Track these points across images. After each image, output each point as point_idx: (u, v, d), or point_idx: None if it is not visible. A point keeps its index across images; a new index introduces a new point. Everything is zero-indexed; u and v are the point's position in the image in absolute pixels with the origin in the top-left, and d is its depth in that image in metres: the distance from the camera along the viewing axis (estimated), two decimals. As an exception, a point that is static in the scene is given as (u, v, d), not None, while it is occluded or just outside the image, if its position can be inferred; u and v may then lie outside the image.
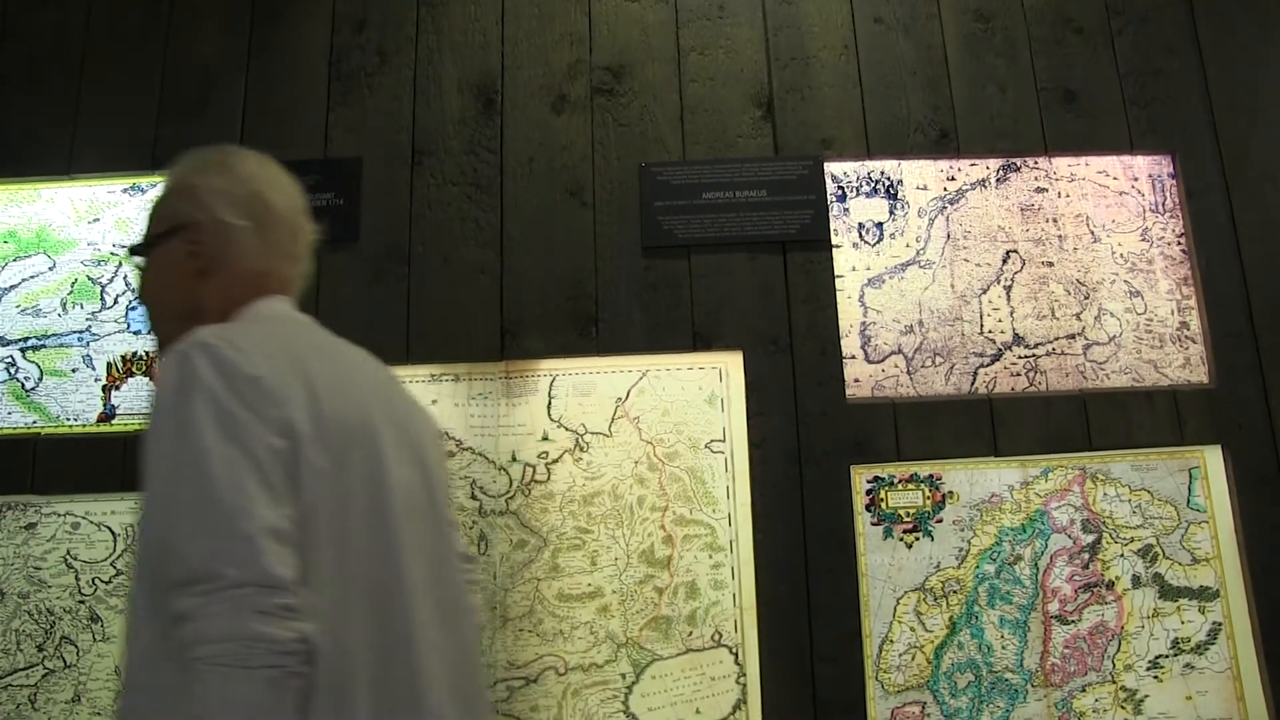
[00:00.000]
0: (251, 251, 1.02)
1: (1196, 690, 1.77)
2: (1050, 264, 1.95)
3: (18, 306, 1.92)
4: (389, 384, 1.07)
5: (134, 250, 1.06)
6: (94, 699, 1.73)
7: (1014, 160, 1.99)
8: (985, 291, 1.94)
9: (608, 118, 1.97)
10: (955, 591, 1.80)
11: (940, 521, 1.83)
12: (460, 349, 1.86)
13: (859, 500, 1.83)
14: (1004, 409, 1.85)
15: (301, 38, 2.01)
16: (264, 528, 0.78)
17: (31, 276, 1.94)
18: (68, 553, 1.78)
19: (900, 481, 1.84)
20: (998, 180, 1.99)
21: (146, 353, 1.90)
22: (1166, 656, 1.78)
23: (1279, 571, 1.79)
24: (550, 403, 1.85)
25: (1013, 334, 1.92)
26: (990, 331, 1.92)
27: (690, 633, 1.76)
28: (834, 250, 1.93)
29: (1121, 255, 1.96)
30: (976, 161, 1.99)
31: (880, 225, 1.96)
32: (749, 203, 1.92)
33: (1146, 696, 1.77)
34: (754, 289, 1.89)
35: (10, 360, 1.89)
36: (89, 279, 1.93)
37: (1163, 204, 1.98)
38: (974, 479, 1.85)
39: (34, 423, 1.86)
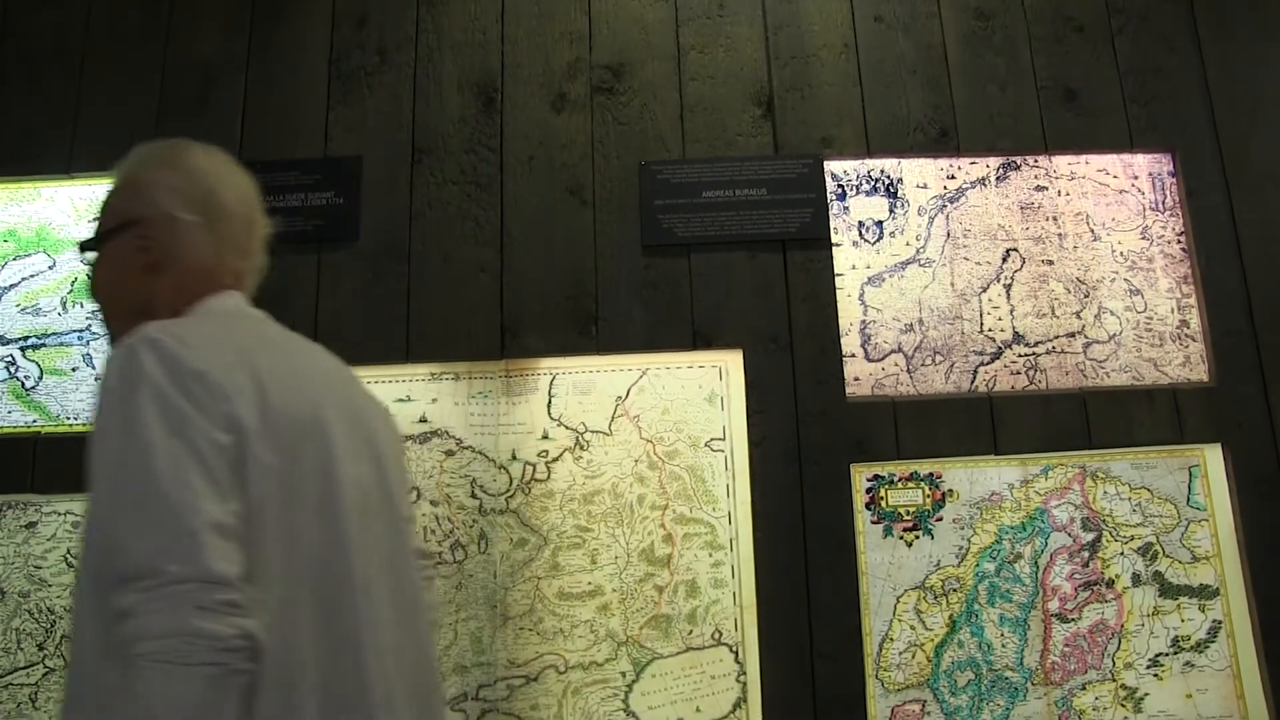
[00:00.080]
0: (202, 246, 1.02)
1: (1196, 688, 1.77)
2: (1050, 262, 1.95)
3: (18, 305, 1.92)
4: (345, 380, 1.06)
5: (84, 246, 1.06)
6: (94, 697, 1.73)
7: (1014, 159, 1.99)
8: (985, 290, 1.94)
9: (608, 116, 1.97)
10: (955, 590, 1.80)
11: (940, 520, 1.83)
12: (460, 347, 1.86)
13: (859, 498, 1.83)
14: (1004, 407, 1.85)
15: (302, 36, 2.01)
16: (208, 523, 0.77)
17: (31, 275, 1.94)
18: (68, 551, 1.78)
19: (900, 480, 1.84)
20: (998, 179, 1.99)
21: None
22: (1166, 655, 1.78)
23: (1279, 570, 1.79)
24: (550, 401, 1.85)
25: (1013, 332, 1.92)
26: (990, 330, 1.92)
27: (690, 631, 1.76)
28: (834, 249, 1.93)
29: (1121, 253, 1.96)
30: (976, 160, 1.99)
31: (880, 224, 1.96)
32: (749, 201, 1.92)
33: (1146, 695, 1.77)
34: (754, 287, 1.89)
35: (10, 359, 1.89)
36: (89, 278, 1.93)
37: (1163, 202, 1.98)
38: (974, 477, 1.85)
39: (34, 421, 1.86)
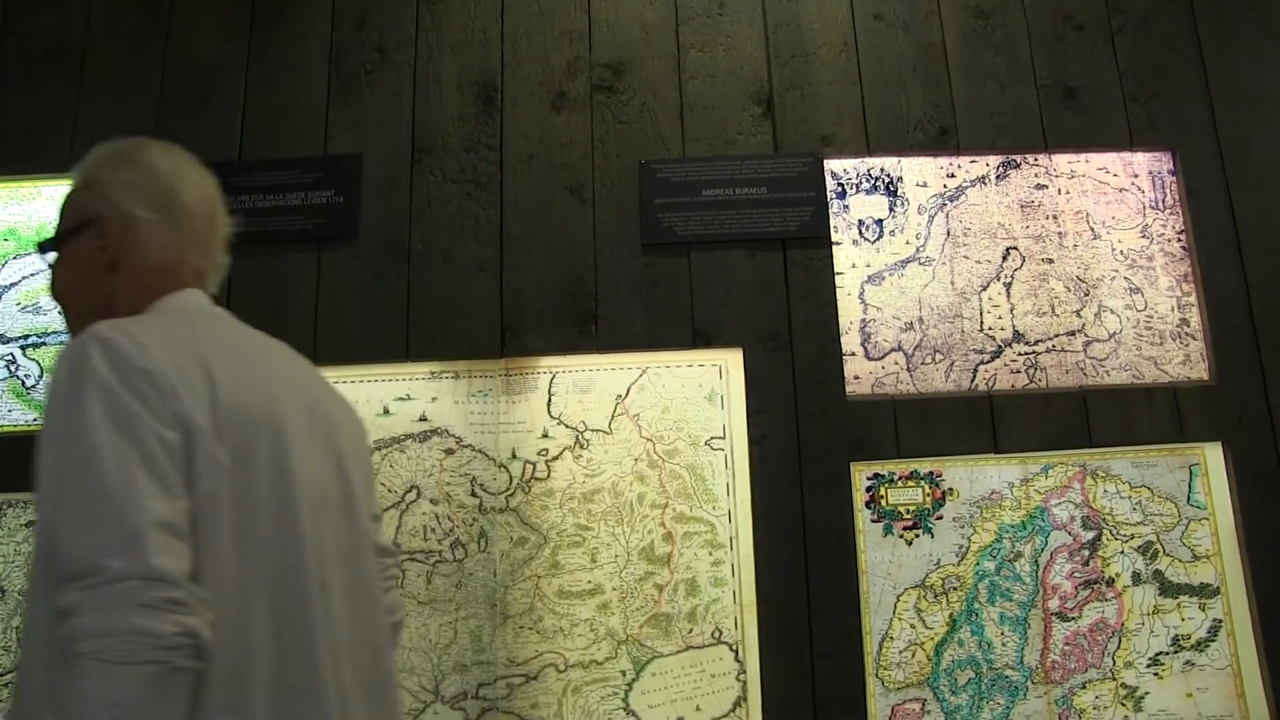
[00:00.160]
0: (161, 244, 1.02)
1: (1197, 687, 1.77)
2: (1050, 261, 1.95)
3: (18, 304, 1.92)
4: (306, 378, 1.06)
5: (43, 247, 1.06)
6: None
7: (1014, 157, 1.99)
8: (985, 288, 1.94)
9: (607, 115, 1.97)
10: (955, 588, 1.80)
11: (940, 518, 1.83)
12: (460, 346, 1.86)
13: (859, 497, 1.82)
14: (1004, 406, 1.85)
15: (302, 35, 2.01)
16: (152, 521, 0.77)
17: (32, 274, 1.94)
18: (68, 550, 1.78)
19: (900, 478, 1.84)
20: (998, 177, 1.99)
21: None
22: (1167, 653, 1.78)
23: (1279, 569, 1.79)
24: (550, 400, 1.85)
25: (1013, 331, 1.92)
26: (990, 328, 1.92)
27: (690, 630, 1.76)
28: (834, 247, 1.93)
29: (1121, 252, 1.96)
30: (976, 158, 1.99)
31: (880, 222, 1.96)
32: (749, 200, 1.92)
33: (1147, 693, 1.77)
34: (754, 286, 1.89)
35: (11, 358, 1.90)
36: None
37: (1163, 201, 1.98)
38: (974, 476, 1.85)
39: (34, 420, 1.86)
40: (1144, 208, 1.98)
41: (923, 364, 1.90)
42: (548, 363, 1.86)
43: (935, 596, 1.80)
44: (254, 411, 0.90)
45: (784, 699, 1.71)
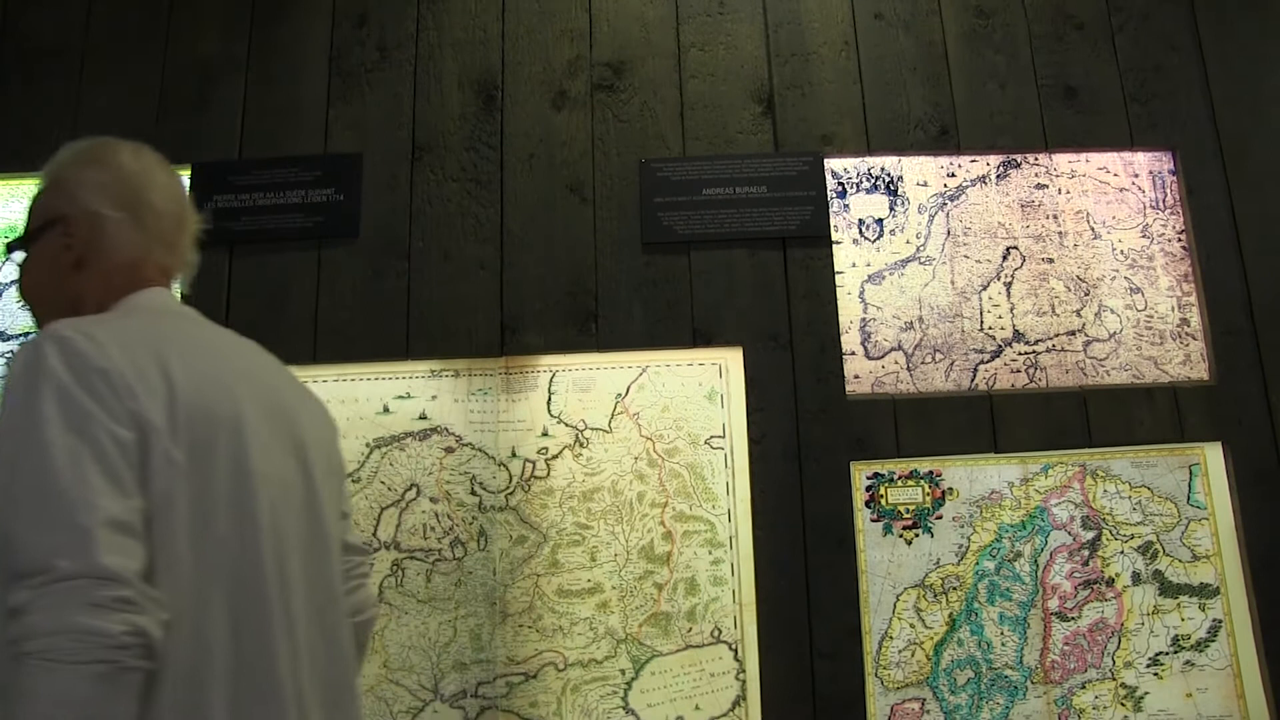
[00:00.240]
0: (127, 242, 1.02)
1: (1197, 687, 1.77)
2: (1050, 260, 1.95)
3: (19, 302, 1.92)
4: (270, 375, 1.06)
5: (11, 246, 1.06)
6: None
7: (1014, 156, 1.99)
8: (985, 288, 1.94)
9: (608, 114, 1.97)
10: (955, 588, 1.80)
11: (940, 518, 1.83)
12: (460, 344, 1.86)
13: (859, 496, 1.82)
14: (1004, 405, 1.85)
15: (302, 34, 2.01)
16: (103, 520, 0.77)
17: (32, 272, 1.94)
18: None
19: (900, 478, 1.84)
20: (998, 177, 1.99)
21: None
22: (1166, 653, 1.78)
23: (1279, 569, 1.78)
24: (550, 398, 1.85)
25: (1013, 330, 1.92)
26: (990, 328, 1.92)
27: (690, 629, 1.76)
28: (834, 246, 1.93)
29: (1122, 252, 1.96)
30: (977, 158, 1.99)
31: (880, 221, 1.96)
32: (749, 199, 1.92)
33: (1146, 694, 1.77)
34: (754, 285, 1.89)
35: (11, 355, 1.89)
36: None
37: (1163, 200, 1.98)
38: (974, 475, 1.84)
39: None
40: (1144, 207, 1.98)
41: (923, 363, 1.90)
42: (548, 361, 1.86)
43: (935, 596, 1.80)
44: (213, 409, 0.90)
45: (783, 698, 1.71)
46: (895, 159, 1.99)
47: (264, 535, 0.91)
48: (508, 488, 1.81)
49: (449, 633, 1.75)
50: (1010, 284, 1.94)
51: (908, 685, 1.76)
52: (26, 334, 1.91)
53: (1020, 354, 1.91)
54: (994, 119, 1.99)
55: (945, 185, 1.98)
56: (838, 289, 1.91)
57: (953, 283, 1.94)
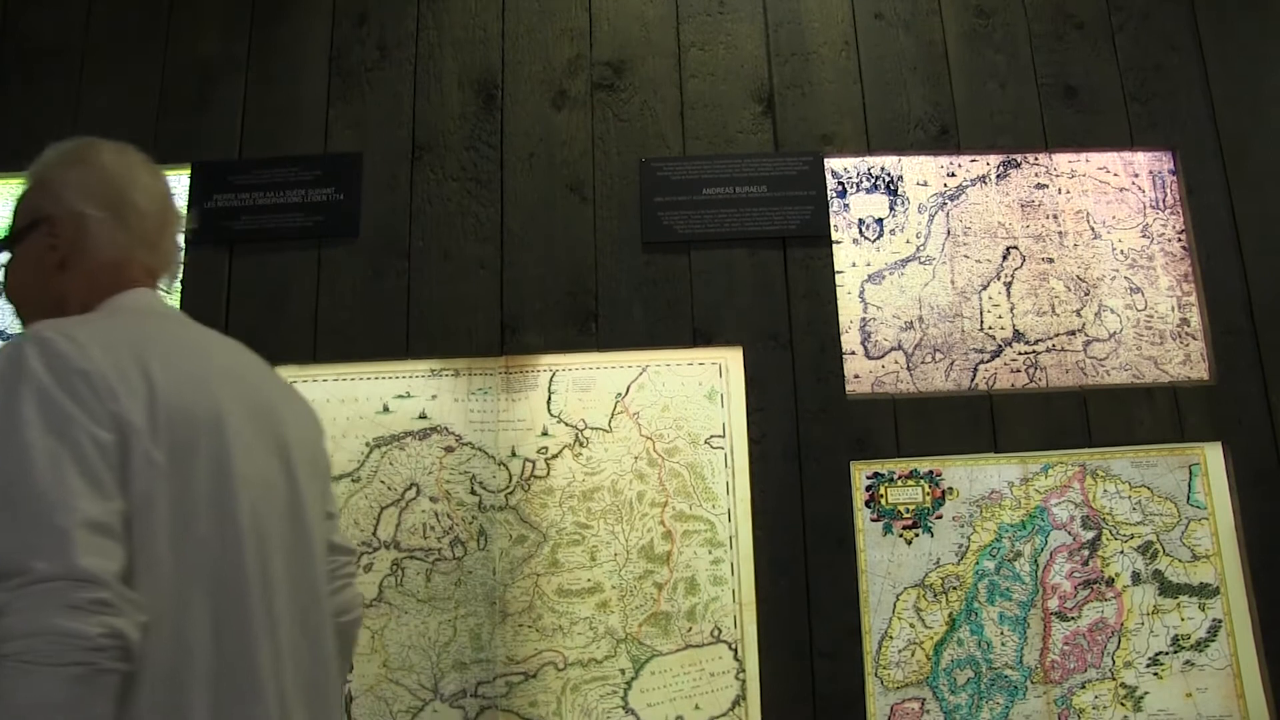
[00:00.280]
0: (110, 242, 1.03)
1: (1196, 687, 1.77)
2: (1050, 260, 1.95)
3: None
4: (254, 375, 1.06)
5: None
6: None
7: (1014, 156, 1.99)
8: (985, 288, 1.94)
9: (608, 113, 1.97)
10: (955, 588, 1.80)
11: (940, 518, 1.83)
12: (460, 344, 1.86)
13: (859, 496, 1.82)
14: (1004, 405, 1.85)
15: (302, 33, 2.01)
16: (81, 521, 0.77)
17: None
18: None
19: (900, 478, 1.84)
20: (998, 176, 1.99)
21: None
22: (1166, 653, 1.78)
23: (1279, 568, 1.78)
24: (550, 398, 1.85)
25: (1013, 330, 1.92)
26: (990, 328, 1.92)
27: (690, 628, 1.76)
28: (834, 246, 1.93)
29: (1122, 251, 1.96)
30: (977, 157, 1.99)
31: (880, 221, 1.96)
32: (749, 198, 1.92)
33: (1146, 693, 1.77)
34: (754, 285, 1.89)
35: None
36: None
37: (1163, 200, 1.98)
38: (974, 475, 1.84)
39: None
40: (1144, 207, 1.98)
41: (923, 363, 1.90)
42: (548, 361, 1.86)
43: (935, 596, 1.80)
44: (194, 410, 0.91)
45: (783, 698, 1.71)
46: (895, 159, 1.99)
47: (246, 536, 0.91)
48: (507, 487, 1.81)
49: (449, 632, 1.75)
50: (1010, 284, 1.94)
51: (907, 685, 1.76)
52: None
53: (1020, 354, 1.91)
54: (994, 119, 1.99)
55: (945, 185, 1.98)
56: (838, 289, 1.91)
57: (953, 282, 1.94)
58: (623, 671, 1.74)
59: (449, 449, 1.82)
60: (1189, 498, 1.84)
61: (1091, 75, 2.01)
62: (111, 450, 0.82)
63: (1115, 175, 1.99)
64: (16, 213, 1.06)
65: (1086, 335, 1.92)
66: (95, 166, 1.05)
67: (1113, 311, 1.93)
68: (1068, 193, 1.98)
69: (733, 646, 1.75)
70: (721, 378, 1.86)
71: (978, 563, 1.81)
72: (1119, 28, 2.04)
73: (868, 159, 1.99)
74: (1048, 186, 1.98)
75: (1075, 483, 1.85)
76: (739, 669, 1.75)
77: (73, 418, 0.81)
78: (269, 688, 0.89)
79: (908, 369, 1.90)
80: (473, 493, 1.80)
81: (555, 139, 1.96)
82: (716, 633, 1.76)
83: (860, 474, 1.83)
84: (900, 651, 1.77)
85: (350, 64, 1.99)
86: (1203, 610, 1.80)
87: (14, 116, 1.96)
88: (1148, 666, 1.78)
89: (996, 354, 1.91)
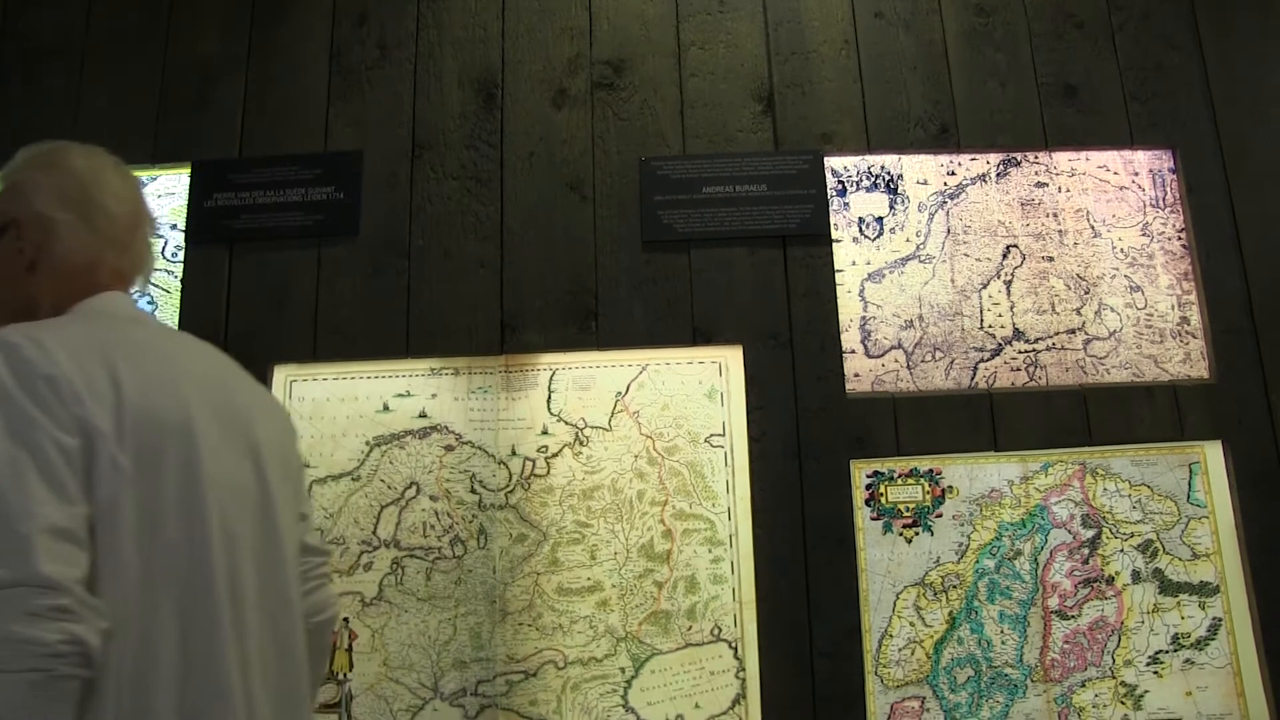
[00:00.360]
0: (78, 245, 1.03)
1: (1197, 686, 1.77)
2: (1050, 259, 1.95)
3: None
4: (224, 378, 1.06)
5: None
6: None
7: (1014, 155, 1.99)
8: (985, 286, 1.94)
9: (608, 112, 1.97)
10: (955, 586, 1.80)
11: (940, 516, 1.83)
12: (460, 343, 1.86)
13: (859, 495, 1.82)
14: (1004, 404, 1.85)
15: (302, 32, 2.01)
16: (43, 527, 0.77)
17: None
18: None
19: (900, 476, 1.84)
20: (998, 175, 1.99)
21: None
22: (1166, 652, 1.78)
23: (1279, 567, 1.78)
24: (550, 397, 1.85)
25: (1013, 329, 1.92)
26: (990, 326, 1.92)
27: (690, 627, 1.76)
28: (834, 245, 1.93)
29: (1122, 250, 1.96)
30: (977, 156, 1.99)
31: (880, 220, 1.96)
32: (749, 197, 1.92)
33: (1146, 692, 1.77)
34: (754, 283, 1.89)
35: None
36: None
37: (1163, 199, 1.98)
38: (974, 474, 1.84)
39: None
40: (1144, 206, 1.98)
41: (923, 361, 1.90)
42: (548, 359, 1.86)
43: (935, 594, 1.80)
44: (162, 414, 0.91)
45: (783, 696, 1.71)
46: (895, 157, 1.99)
47: (214, 540, 0.91)
48: (508, 486, 1.81)
49: (449, 631, 1.75)
50: (1010, 282, 1.94)
51: (908, 683, 1.76)
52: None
53: (1020, 352, 1.91)
54: (994, 117, 1.99)
55: (945, 183, 1.98)
56: (838, 287, 1.91)
57: (953, 281, 1.94)
58: (623, 670, 1.74)
59: (449, 448, 1.82)
60: (1189, 496, 1.84)
61: (1092, 74, 2.01)
62: (76, 455, 0.82)
63: (1115, 174, 1.99)
64: None
65: (1086, 334, 1.92)
66: (64, 170, 1.05)
67: (1113, 310, 1.93)
68: (1068, 191, 1.98)
69: (733, 645, 1.75)
70: (721, 376, 1.86)
71: (978, 561, 1.81)
72: (1119, 27, 2.04)
73: (868, 158, 1.99)
74: (1048, 185, 1.99)
75: (1075, 481, 1.85)
76: (739, 668, 1.75)
77: (36, 423, 0.81)
78: (237, 693, 0.89)
79: (908, 367, 1.90)
80: (473, 491, 1.80)
81: (555, 138, 1.96)
82: (716, 631, 1.76)
83: (860, 473, 1.83)
84: (900, 650, 1.77)
85: (350, 63, 1.99)
86: (1203, 609, 1.80)
87: (14, 116, 1.97)
88: (1148, 665, 1.77)
89: (996, 352, 1.91)
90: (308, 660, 1.06)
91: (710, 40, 2.01)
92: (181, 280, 1.89)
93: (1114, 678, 1.77)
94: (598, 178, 1.94)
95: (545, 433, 1.83)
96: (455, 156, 1.95)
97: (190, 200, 1.92)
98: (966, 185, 1.98)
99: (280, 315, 1.86)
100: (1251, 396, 1.86)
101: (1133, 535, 1.82)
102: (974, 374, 1.90)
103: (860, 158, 1.98)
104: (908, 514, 1.83)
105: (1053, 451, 1.85)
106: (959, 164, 1.99)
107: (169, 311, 1.91)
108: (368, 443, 1.82)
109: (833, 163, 1.98)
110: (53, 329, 0.91)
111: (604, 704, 1.73)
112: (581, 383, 1.86)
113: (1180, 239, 1.96)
